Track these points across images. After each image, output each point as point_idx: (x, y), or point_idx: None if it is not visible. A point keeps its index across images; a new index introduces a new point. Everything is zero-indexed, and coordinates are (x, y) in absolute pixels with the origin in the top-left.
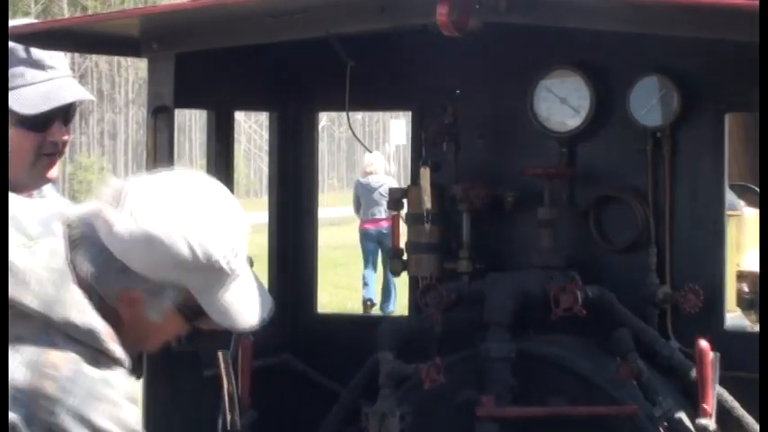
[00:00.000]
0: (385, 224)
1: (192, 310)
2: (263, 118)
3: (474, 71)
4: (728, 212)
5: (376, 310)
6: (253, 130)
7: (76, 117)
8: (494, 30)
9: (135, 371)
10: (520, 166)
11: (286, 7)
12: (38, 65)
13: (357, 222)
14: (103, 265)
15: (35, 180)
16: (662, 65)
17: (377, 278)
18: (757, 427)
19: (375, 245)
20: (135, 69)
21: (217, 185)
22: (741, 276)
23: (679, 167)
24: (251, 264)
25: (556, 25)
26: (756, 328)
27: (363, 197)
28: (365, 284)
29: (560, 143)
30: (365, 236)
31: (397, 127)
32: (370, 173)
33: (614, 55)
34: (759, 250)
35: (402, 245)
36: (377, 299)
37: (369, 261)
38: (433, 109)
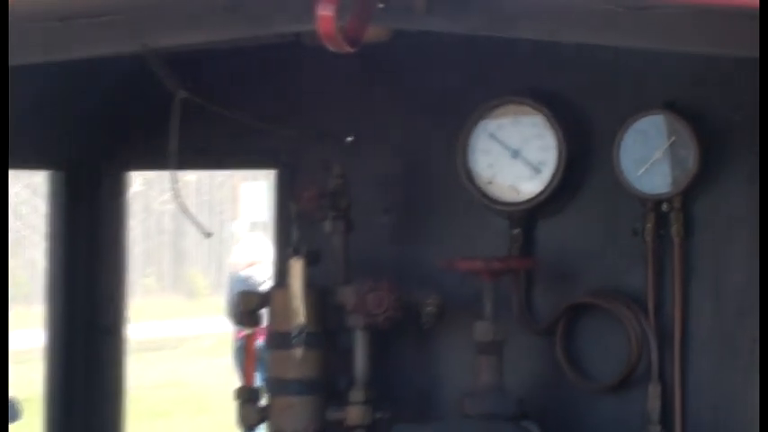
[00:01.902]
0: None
1: None
2: (37, 180)
3: (376, 108)
4: None
5: None
6: (21, 200)
7: None
8: (408, 43)
9: None
10: (447, 257)
11: (82, 7)
12: None
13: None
14: None
15: None
16: (671, 97)
17: None
18: None
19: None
20: None
21: None
22: None
23: (696, 258)
24: (18, 413)
25: (503, 35)
26: None
27: None
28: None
29: (511, 220)
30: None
31: (252, 194)
32: (252, 263)
33: (596, 83)
34: (759, 250)
35: (259, 382)
36: None
37: None
38: (309, 166)
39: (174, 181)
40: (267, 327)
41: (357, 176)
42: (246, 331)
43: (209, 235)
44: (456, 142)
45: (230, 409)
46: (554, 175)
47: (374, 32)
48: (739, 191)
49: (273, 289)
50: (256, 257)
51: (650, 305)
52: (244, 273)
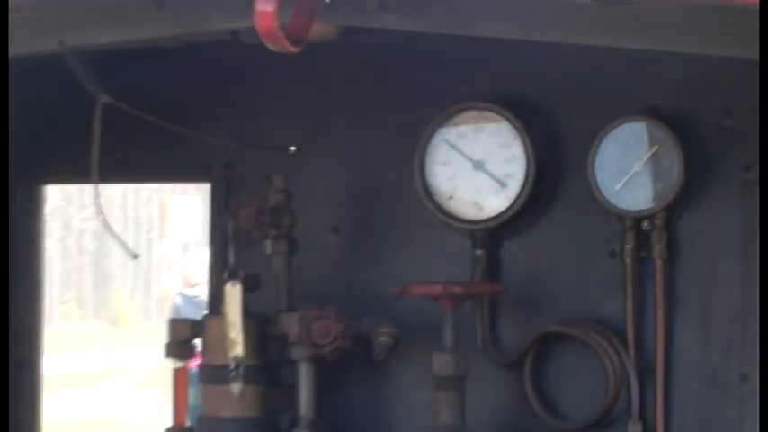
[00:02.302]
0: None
1: None
2: None
3: (324, 114)
4: None
5: None
6: None
7: None
8: (360, 43)
9: None
10: (402, 281)
11: None
12: None
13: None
14: None
15: None
16: (654, 102)
17: None
18: None
19: None
20: None
21: None
22: None
23: (681, 282)
24: None
25: (464, 33)
26: None
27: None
28: None
29: (474, 240)
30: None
31: (183, 210)
32: (197, 284)
33: (570, 86)
34: (759, 251)
35: (189, 421)
36: None
37: None
38: (247, 179)
39: (96, 196)
40: (201, 359)
41: (302, 191)
42: (178, 364)
43: (135, 256)
44: (413, 153)
45: None
46: (521, 190)
47: (320, 30)
48: (730, 206)
49: (208, 317)
50: (204, 275)
51: (630, 335)
52: (190, 292)
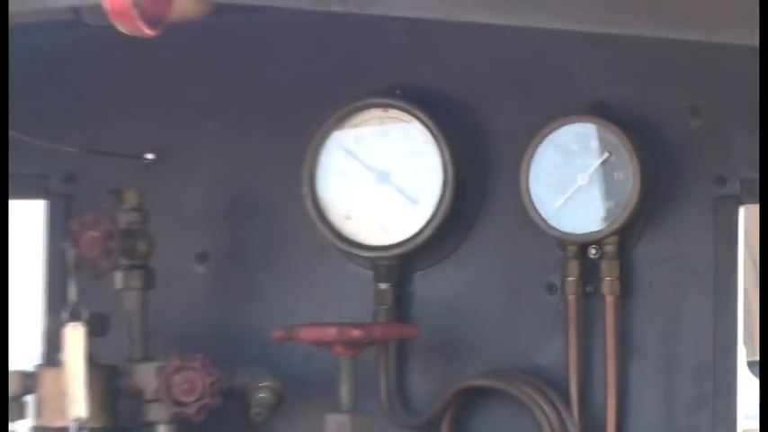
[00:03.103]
0: None
1: None
2: None
3: (189, 114)
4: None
5: None
6: None
7: None
8: (235, 24)
9: None
10: (286, 323)
11: None
12: None
13: None
14: None
15: None
16: (604, 97)
17: None
18: None
19: None
20: None
21: None
22: None
23: (638, 325)
24: None
25: (364, 12)
26: None
27: None
28: None
29: (377, 271)
30: None
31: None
32: None
33: (498, 79)
34: (759, 251)
35: None
36: None
37: None
38: (91, 196)
39: None
40: (33, 420)
41: (161, 209)
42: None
43: None
44: (301, 162)
45: None
46: (437, 208)
47: (185, 8)
48: (699, 229)
49: (41, 368)
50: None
51: (573, 390)
52: None
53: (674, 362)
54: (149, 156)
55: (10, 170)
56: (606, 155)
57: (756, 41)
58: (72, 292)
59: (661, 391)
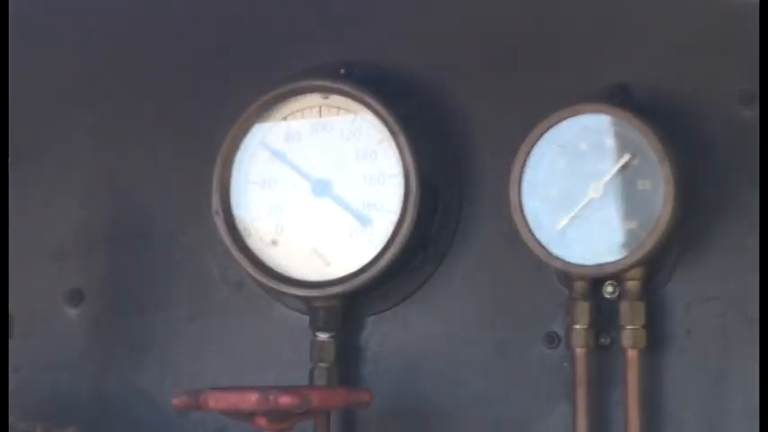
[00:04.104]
0: None
1: None
2: None
3: (55, 104)
4: None
5: None
6: None
7: None
8: None
9: None
10: (191, 386)
11: None
12: None
13: None
14: None
15: None
16: (623, 79)
17: None
18: None
19: None
20: None
21: None
22: None
23: (669, 387)
24: None
25: None
26: None
27: None
28: None
29: (315, 315)
30: None
31: None
32: None
33: (483, 56)
34: (759, 251)
35: None
36: None
37: None
38: None
39: None
40: None
41: (18, 234)
42: None
43: None
44: (210, 166)
45: None
46: (396, 231)
47: None
48: (754, 258)
49: None
50: None
51: None
52: None
53: None
54: None
55: None
56: (627, 157)
57: None
58: None
59: None
